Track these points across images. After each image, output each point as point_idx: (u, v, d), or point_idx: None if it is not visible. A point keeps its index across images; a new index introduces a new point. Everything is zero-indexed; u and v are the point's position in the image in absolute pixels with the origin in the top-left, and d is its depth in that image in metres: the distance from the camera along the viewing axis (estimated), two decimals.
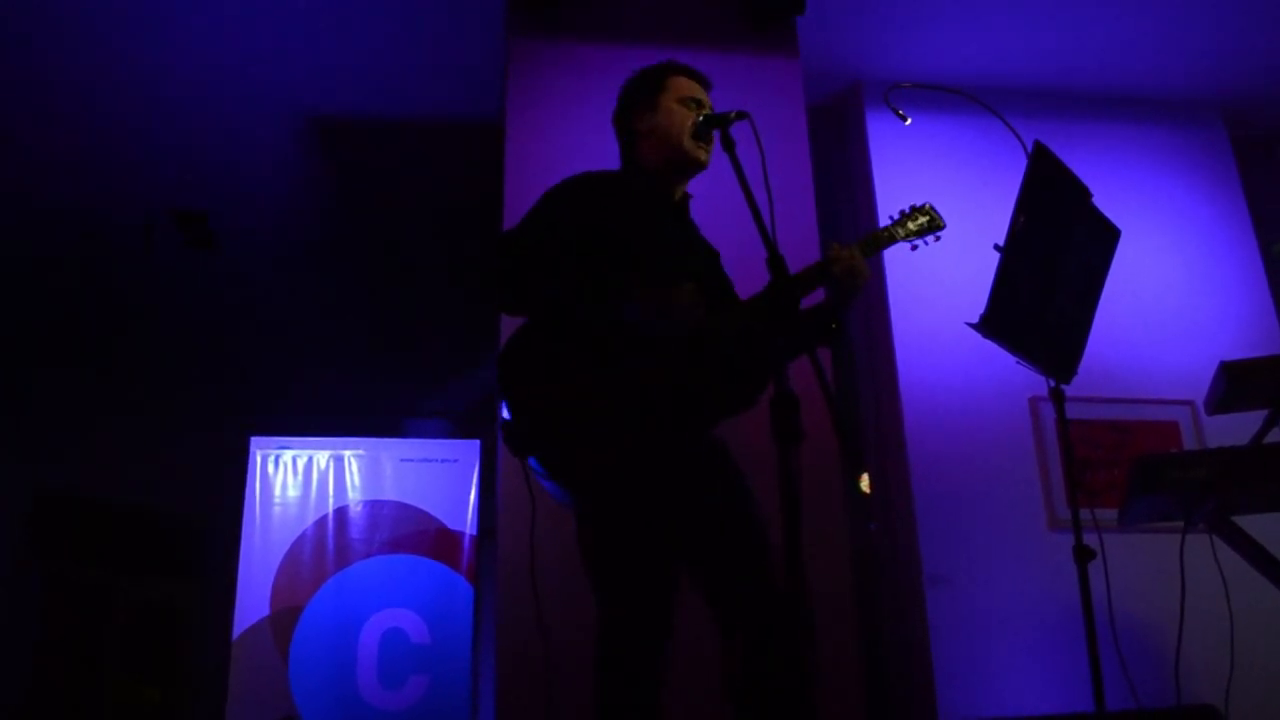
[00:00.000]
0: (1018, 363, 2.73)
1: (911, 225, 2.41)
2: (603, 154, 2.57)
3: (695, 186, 2.60)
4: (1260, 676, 3.25)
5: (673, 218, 2.36)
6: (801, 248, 2.27)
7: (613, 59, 3.80)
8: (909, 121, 2.59)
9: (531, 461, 2.07)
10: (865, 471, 4.54)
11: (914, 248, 2.45)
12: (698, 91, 2.37)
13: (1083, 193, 2.79)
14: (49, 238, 5.62)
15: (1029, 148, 2.66)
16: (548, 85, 3.78)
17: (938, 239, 2.44)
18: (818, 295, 2.41)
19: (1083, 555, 2.46)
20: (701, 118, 2.26)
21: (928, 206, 2.44)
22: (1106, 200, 4.30)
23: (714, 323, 2.16)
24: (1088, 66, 4.59)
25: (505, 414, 2.08)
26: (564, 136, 3.69)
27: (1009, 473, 4.05)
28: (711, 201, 2.58)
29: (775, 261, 1.89)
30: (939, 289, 4.17)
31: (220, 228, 5.43)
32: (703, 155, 2.33)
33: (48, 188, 5.19)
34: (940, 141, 4.45)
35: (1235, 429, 2.88)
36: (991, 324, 2.52)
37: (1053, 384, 2.73)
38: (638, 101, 2.39)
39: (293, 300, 6.44)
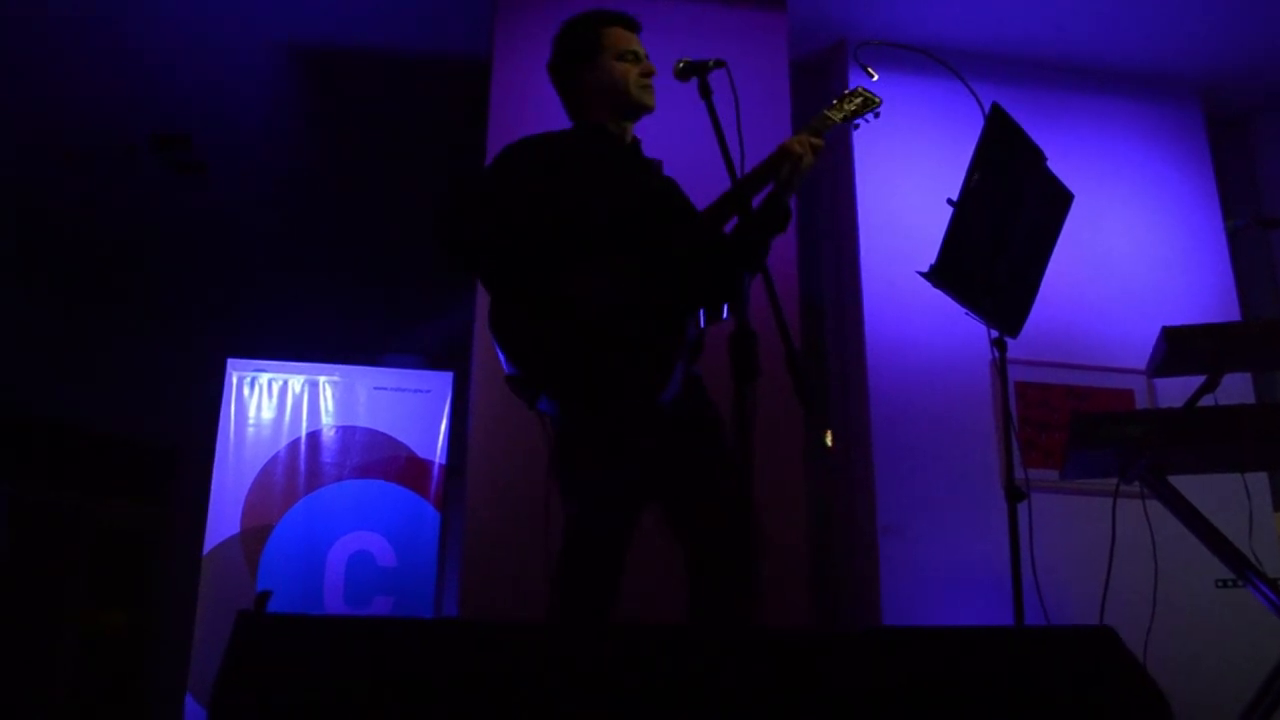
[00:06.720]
0: (966, 314, 2.83)
1: (848, 106, 2.46)
2: None
3: (673, 137, 2.67)
4: (1180, 621, 3.41)
5: (627, 162, 2.41)
6: None
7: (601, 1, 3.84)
8: (876, 78, 2.65)
9: (542, 405, 2.14)
10: (829, 428, 4.64)
11: (855, 127, 2.49)
12: (633, 43, 2.42)
13: (1037, 155, 2.88)
14: (26, 161, 5.60)
15: (986, 110, 2.75)
16: (535, 24, 3.81)
17: (877, 115, 2.48)
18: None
19: (1013, 494, 2.59)
20: (681, 64, 2.32)
21: (860, 89, 2.50)
22: (1081, 169, 4.36)
23: (673, 237, 2.23)
24: (1074, 38, 4.64)
25: (506, 368, 2.13)
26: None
27: (968, 431, 4.16)
28: (682, 150, 2.65)
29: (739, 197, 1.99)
30: (910, 245, 4.24)
31: (204, 154, 5.43)
32: (649, 99, 2.40)
33: (28, 110, 5.17)
34: (920, 102, 4.48)
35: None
36: (941, 274, 2.62)
37: (995, 335, 2.84)
38: (575, 57, 2.41)
39: (274, 227, 6.45)
